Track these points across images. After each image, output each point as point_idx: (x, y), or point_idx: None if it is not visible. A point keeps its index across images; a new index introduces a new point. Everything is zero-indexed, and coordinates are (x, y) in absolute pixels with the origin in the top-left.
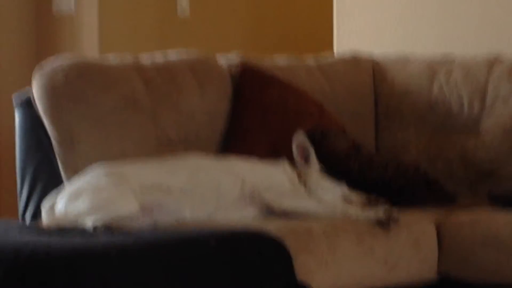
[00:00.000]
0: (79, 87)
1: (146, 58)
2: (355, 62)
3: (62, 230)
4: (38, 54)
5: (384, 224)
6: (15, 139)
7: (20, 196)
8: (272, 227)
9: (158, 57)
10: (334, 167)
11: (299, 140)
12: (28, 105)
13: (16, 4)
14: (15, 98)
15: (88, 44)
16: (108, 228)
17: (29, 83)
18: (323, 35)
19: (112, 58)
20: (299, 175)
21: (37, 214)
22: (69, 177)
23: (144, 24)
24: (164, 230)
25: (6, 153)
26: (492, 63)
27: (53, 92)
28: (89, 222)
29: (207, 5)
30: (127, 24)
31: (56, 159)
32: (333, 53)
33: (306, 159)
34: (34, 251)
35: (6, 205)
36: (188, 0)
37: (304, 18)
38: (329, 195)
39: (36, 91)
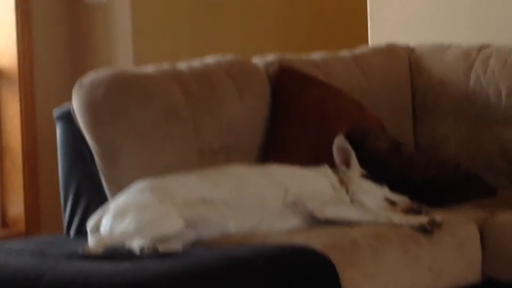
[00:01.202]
0: (119, 101)
1: (183, 65)
2: (391, 53)
3: (110, 254)
4: (71, 48)
5: (427, 231)
6: (57, 153)
7: (64, 210)
8: (317, 241)
9: (195, 63)
10: (375, 168)
11: (340, 143)
12: (69, 119)
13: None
14: (56, 112)
15: (122, 33)
16: (155, 250)
17: (63, 82)
18: (358, 31)
19: (150, 68)
20: (341, 180)
21: (82, 228)
22: (113, 192)
23: (177, 10)
24: (210, 250)
25: (48, 167)
26: None
27: (93, 107)
28: (136, 244)
29: None
30: (160, 10)
31: (99, 173)
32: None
33: (347, 163)
34: (86, 282)
35: (49, 218)
36: None
37: (337, 13)
38: (371, 199)
39: (76, 106)
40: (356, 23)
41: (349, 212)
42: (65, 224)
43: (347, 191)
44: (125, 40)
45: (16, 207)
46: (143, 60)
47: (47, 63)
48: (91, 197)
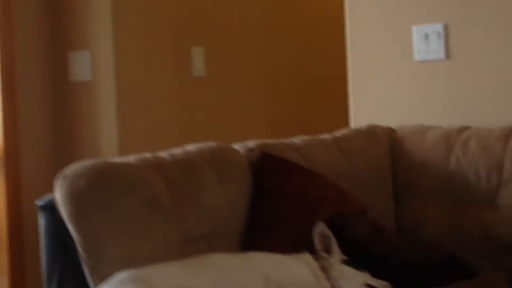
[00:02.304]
0: (101, 193)
1: (165, 154)
2: (371, 135)
3: None
4: (56, 126)
5: None
6: (40, 242)
7: None
8: None
9: (177, 151)
10: (356, 253)
11: (320, 230)
12: (52, 209)
13: (33, 75)
14: (39, 203)
15: (106, 111)
16: None
17: (48, 159)
18: (340, 114)
19: (132, 158)
20: (322, 266)
21: None
22: (95, 282)
23: (161, 86)
24: None
25: (31, 255)
26: (509, 135)
27: (75, 199)
28: None
29: (221, 67)
30: (144, 87)
31: (82, 264)
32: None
33: (328, 249)
34: None
35: None
36: (203, 60)
37: (319, 96)
38: (352, 285)
39: (58, 197)
40: (338, 105)
41: None
42: None
43: (328, 277)
44: (110, 118)
45: (1, 285)
46: (127, 138)
47: (32, 142)
48: (74, 287)
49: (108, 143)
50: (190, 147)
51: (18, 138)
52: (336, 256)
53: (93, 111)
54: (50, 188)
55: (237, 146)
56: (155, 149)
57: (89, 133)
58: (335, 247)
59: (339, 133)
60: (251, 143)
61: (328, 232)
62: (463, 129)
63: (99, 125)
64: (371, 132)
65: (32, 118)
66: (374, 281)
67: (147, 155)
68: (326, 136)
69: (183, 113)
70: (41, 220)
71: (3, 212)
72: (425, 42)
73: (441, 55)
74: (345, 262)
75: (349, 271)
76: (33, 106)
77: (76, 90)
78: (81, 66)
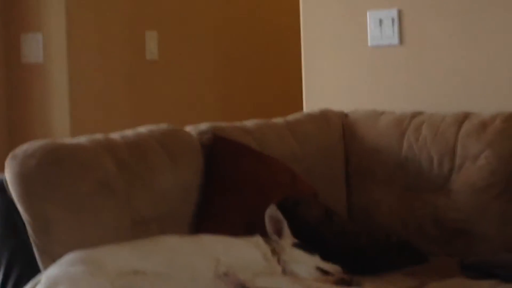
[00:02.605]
0: (52, 173)
1: (116, 135)
2: (324, 119)
3: None
4: (8, 107)
5: None
6: None
7: None
8: None
9: (128, 132)
10: (307, 237)
11: (271, 213)
12: (2, 190)
13: None
14: None
15: (58, 92)
16: None
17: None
18: (294, 98)
19: (84, 139)
20: (273, 250)
21: None
22: (45, 263)
23: (113, 69)
24: None
25: None
26: (461, 121)
27: (26, 179)
28: None
29: (174, 50)
30: (96, 69)
31: (32, 245)
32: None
33: (279, 232)
34: None
35: None
36: (157, 44)
37: (273, 80)
38: (303, 268)
39: (9, 178)
40: (291, 90)
41: (280, 283)
42: None
43: (279, 261)
44: (62, 99)
45: None
46: (79, 120)
47: None
48: (23, 268)
49: (60, 125)
50: (142, 129)
51: None
52: (287, 239)
53: (45, 93)
54: (1, 169)
55: (189, 128)
56: (107, 131)
57: (41, 115)
58: (287, 230)
59: (291, 117)
60: (203, 126)
61: (280, 215)
62: (415, 114)
63: (51, 107)
64: (324, 117)
65: None
66: (325, 265)
67: (98, 136)
68: (278, 120)
69: (135, 96)
70: None
71: None
72: (379, 27)
73: (394, 40)
74: (296, 245)
75: (300, 254)
76: None
77: (28, 72)
78: (33, 47)
